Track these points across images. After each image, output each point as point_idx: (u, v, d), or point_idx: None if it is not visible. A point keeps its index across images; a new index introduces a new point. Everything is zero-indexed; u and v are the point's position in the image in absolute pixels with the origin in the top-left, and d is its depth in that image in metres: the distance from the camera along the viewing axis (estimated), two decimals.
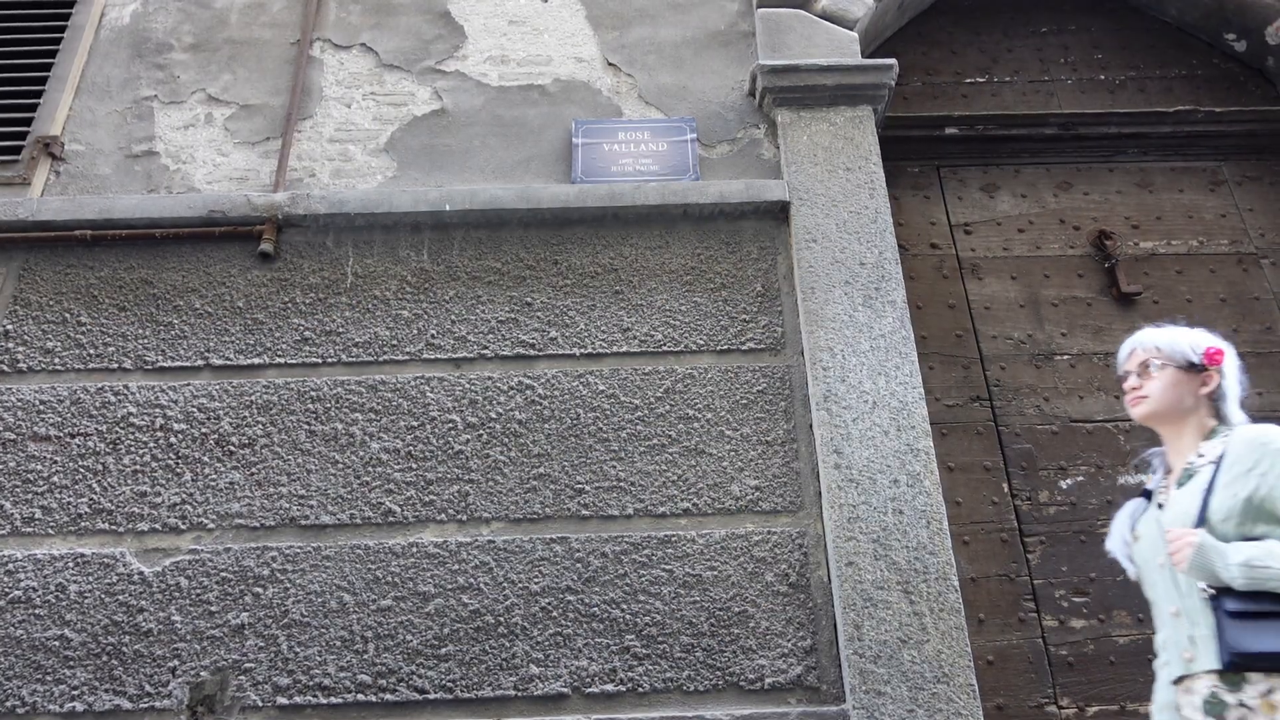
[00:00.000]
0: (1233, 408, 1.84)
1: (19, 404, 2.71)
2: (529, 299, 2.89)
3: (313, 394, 2.73)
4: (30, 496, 2.59)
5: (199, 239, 2.96)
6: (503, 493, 2.60)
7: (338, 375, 2.77)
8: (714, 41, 3.41)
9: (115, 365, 2.77)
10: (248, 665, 2.39)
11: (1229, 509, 1.67)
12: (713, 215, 3.01)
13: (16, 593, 2.46)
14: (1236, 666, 1.58)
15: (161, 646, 2.41)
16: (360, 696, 2.36)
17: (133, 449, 2.65)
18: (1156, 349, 1.87)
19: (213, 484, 2.60)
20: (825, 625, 2.44)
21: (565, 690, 2.37)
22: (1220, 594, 1.63)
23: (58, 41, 3.34)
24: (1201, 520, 1.69)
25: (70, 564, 2.50)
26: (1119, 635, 2.68)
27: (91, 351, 2.79)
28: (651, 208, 2.98)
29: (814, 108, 3.16)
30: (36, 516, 2.56)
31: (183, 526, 2.55)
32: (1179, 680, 1.66)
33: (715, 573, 2.50)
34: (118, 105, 3.25)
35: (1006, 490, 2.86)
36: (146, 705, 2.35)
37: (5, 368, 2.77)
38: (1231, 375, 1.86)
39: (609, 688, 2.37)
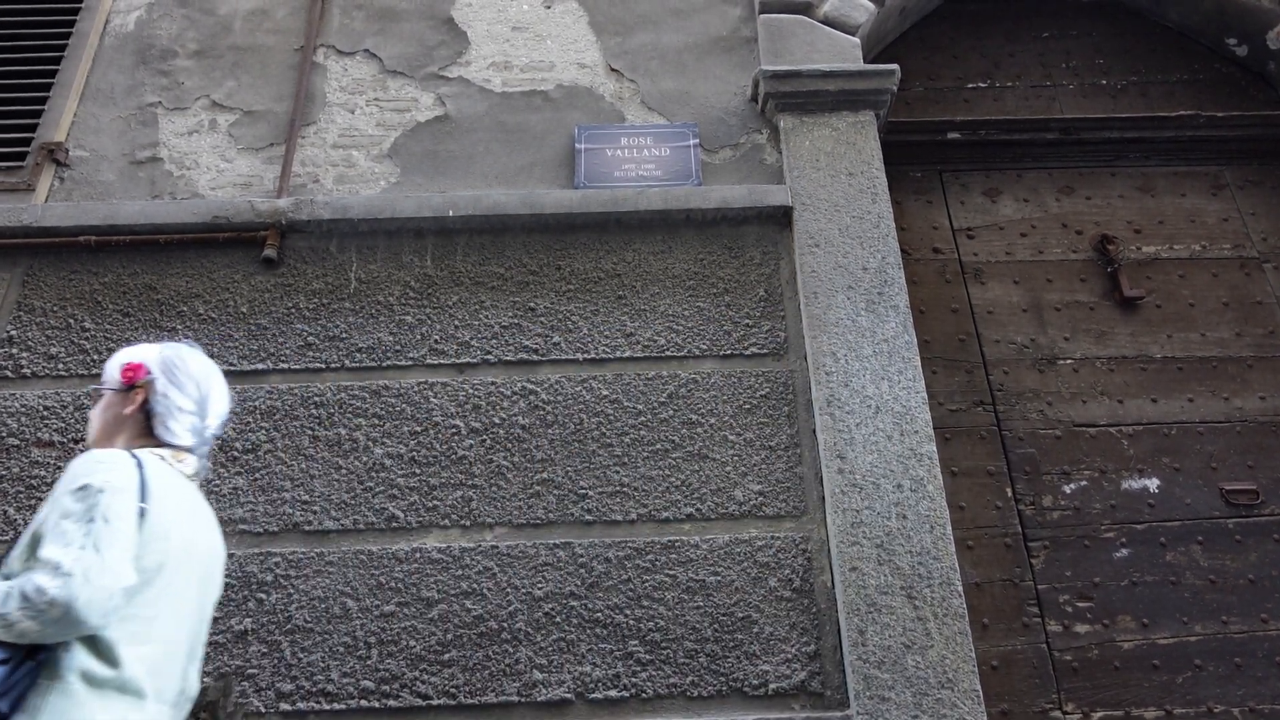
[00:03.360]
0: (175, 429, 1.64)
1: (23, 409, 2.71)
2: (532, 304, 2.89)
3: (316, 399, 2.73)
4: (34, 502, 2.58)
5: (203, 245, 2.97)
6: (506, 498, 2.60)
7: (341, 380, 2.77)
8: (716, 47, 3.41)
9: None
10: (251, 671, 2.39)
11: (22, 544, 1.47)
12: (715, 220, 3.01)
13: None
14: None
15: None
16: (363, 703, 2.36)
17: None
18: (105, 372, 1.71)
19: (216, 489, 2.60)
20: (829, 630, 2.44)
21: (569, 696, 2.37)
22: None
23: (62, 48, 3.35)
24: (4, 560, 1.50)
25: None
26: (1123, 640, 2.67)
27: (95, 357, 2.79)
28: (654, 213, 2.99)
29: (816, 113, 3.17)
30: None
31: None
32: None
33: (719, 578, 2.50)
34: (122, 111, 3.26)
35: (1010, 495, 2.86)
36: None
37: (9, 373, 2.77)
38: (169, 392, 1.65)
39: (613, 693, 2.37)
